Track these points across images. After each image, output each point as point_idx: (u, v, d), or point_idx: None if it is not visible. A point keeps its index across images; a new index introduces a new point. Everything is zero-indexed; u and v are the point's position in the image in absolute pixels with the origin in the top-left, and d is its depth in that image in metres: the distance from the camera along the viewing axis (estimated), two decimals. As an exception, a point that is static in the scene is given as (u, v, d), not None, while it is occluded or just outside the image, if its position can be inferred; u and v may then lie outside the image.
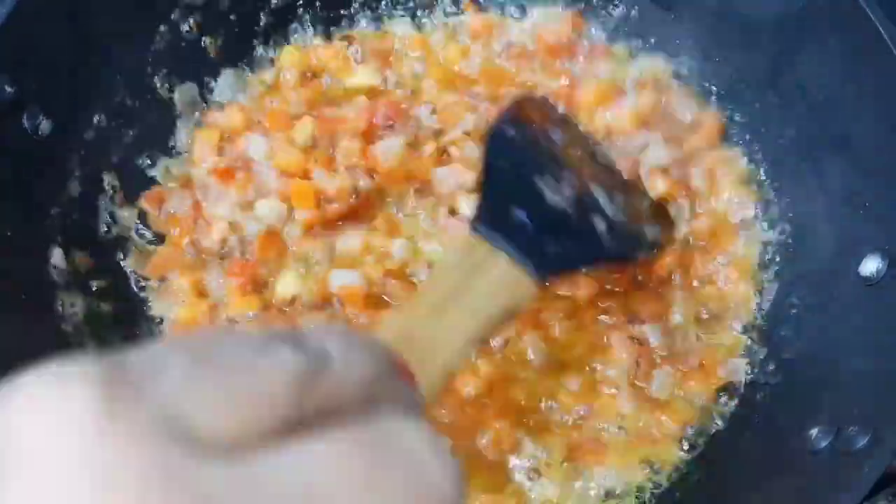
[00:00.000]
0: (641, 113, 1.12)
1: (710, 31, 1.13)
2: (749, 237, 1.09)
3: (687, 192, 1.09)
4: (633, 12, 1.19)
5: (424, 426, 0.42)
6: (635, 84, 1.16)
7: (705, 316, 1.05)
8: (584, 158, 0.99)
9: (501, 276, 0.75)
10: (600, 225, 0.89)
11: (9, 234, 0.94)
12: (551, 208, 0.87)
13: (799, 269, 1.04)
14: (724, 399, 1.01)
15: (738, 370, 1.02)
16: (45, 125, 0.99)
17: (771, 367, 1.01)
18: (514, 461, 0.97)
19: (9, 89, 0.93)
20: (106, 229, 1.07)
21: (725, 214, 1.10)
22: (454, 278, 0.74)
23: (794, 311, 1.02)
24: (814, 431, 0.86)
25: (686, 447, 0.99)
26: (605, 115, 1.11)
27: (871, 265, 0.91)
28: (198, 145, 1.12)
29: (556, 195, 0.88)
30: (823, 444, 0.84)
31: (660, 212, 1.04)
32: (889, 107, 0.92)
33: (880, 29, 0.91)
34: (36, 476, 0.31)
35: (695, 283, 1.06)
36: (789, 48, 1.03)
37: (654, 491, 0.97)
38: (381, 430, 0.40)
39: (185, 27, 1.13)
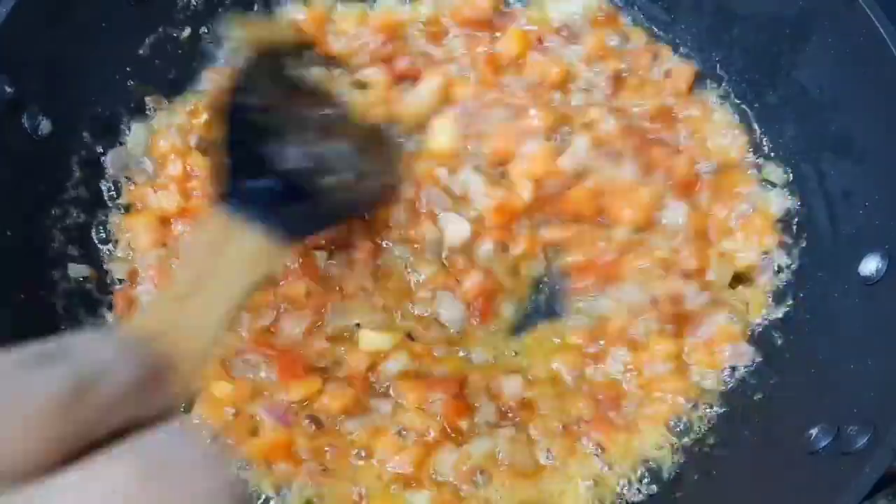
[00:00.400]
0: (592, 53, 1.15)
1: (709, 31, 1.13)
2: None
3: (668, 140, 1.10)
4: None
5: (179, 432, 0.46)
6: (585, 23, 1.18)
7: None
8: (315, 119, 1.00)
9: (253, 245, 0.76)
10: (339, 184, 0.92)
11: (8, 233, 0.94)
12: (291, 173, 0.88)
13: (798, 269, 1.04)
14: (724, 398, 1.01)
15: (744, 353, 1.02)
16: (44, 125, 0.99)
17: (771, 366, 1.00)
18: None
19: (9, 89, 0.94)
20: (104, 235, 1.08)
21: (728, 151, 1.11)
22: (204, 257, 0.74)
23: (793, 310, 1.02)
24: (813, 431, 0.86)
25: (684, 446, 0.99)
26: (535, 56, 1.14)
27: (870, 265, 0.91)
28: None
29: (292, 160, 0.89)
30: (823, 443, 0.84)
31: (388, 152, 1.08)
32: (889, 106, 0.92)
33: (880, 29, 0.91)
34: None
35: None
36: (789, 48, 1.03)
37: (654, 490, 0.97)
38: (147, 446, 0.44)
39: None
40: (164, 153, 1.10)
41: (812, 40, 1.00)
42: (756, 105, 1.11)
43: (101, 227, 1.07)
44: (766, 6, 1.04)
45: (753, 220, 1.07)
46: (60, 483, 0.40)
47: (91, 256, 1.05)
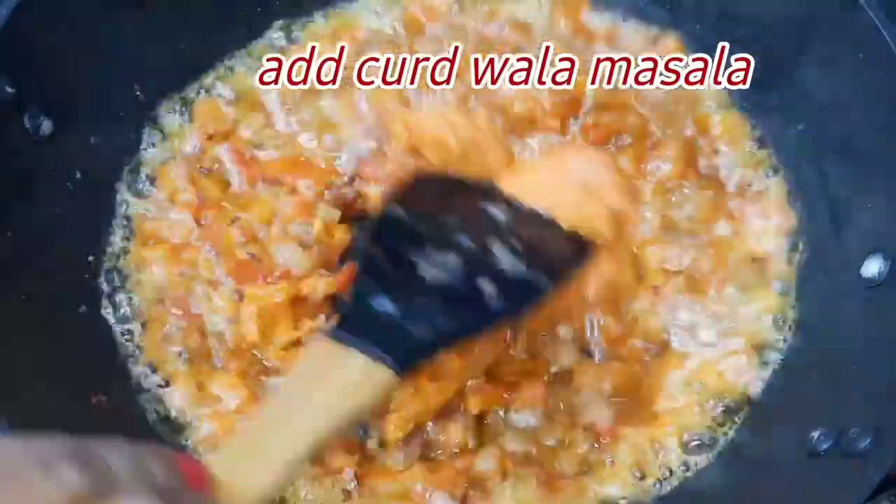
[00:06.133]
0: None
1: (712, 33, 1.13)
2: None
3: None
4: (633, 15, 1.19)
5: None
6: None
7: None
8: (479, 218, 0.96)
9: (353, 375, 0.72)
10: (489, 287, 0.86)
11: (9, 234, 0.94)
12: (430, 286, 0.85)
13: (800, 270, 1.03)
14: (725, 400, 1.01)
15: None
16: (45, 125, 0.98)
17: (773, 368, 1.00)
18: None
19: (9, 90, 0.93)
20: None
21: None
22: (300, 385, 0.73)
23: (795, 312, 1.02)
24: (816, 433, 0.86)
25: (689, 448, 0.99)
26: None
27: (873, 266, 0.91)
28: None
29: (439, 268, 0.86)
30: (826, 445, 0.84)
31: (572, 241, 0.97)
32: (891, 108, 0.92)
33: (882, 31, 0.91)
34: None
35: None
36: (791, 50, 1.03)
37: (656, 492, 0.97)
38: None
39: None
40: (174, 181, 1.09)
41: (814, 42, 1.00)
42: (758, 106, 1.11)
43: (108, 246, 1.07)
44: (770, 8, 1.04)
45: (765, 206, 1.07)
46: None
47: (97, 261, 1.05)
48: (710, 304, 1.02)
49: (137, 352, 1.02)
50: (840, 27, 0.97)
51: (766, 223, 1.06)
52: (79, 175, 1.04)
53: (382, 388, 0.74)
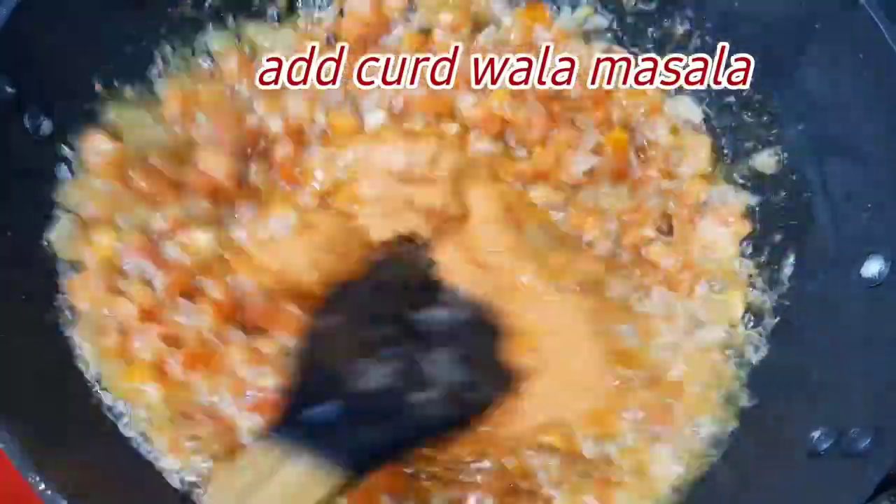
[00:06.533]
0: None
1: (714, 32, 1.13)
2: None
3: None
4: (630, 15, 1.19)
5: None
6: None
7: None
8: (408, 327, 0.92)
9: (301, 478, 0.72)
10: (431, 395, 0.85)
11: (9, 234, 0.94)
12: (369, 393, 0.84)
13: (801, 271, 1.03)
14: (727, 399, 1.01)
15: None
16: (45, 125, 0.98)
17: (773, 368, 1.00)
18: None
19: (9, 90, 0.93)
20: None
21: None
22: (240, 485, 0.71)
23: (796, 312, 1.02)
24: (816, 433, 0.86)
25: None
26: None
27: (873, 267, 0.91)
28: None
29: (375, 380, 0.85)
30: (825, 445, 0.84)
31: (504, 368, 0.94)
32: (891, 107, 0.92)
33: (881, 29, 0.91)
34: None
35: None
36: (791, 50, 1.03)
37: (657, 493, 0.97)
38: None
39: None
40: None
41: (814, 42, 1.00)
42: (757, 105, 1.11)
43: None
44: (770, 8, 1.04)
45: (721, 213, 1.09)
46: None
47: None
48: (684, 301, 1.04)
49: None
50: (840, 27, 0.97)
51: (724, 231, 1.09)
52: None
53: (328, 489, 0.73)
